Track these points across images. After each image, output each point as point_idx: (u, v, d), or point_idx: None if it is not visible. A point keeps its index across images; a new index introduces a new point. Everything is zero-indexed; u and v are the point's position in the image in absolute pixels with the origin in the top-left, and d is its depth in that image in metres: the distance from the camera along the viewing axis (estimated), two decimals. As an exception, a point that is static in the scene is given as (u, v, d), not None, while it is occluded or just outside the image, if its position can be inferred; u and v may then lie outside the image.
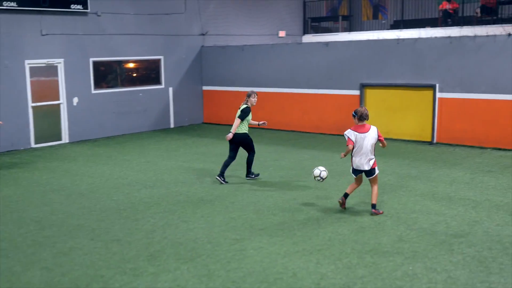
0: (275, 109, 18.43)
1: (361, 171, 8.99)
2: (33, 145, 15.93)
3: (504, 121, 14.17)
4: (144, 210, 9.54)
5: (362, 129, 8.84)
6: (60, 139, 16.64)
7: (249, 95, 11.50)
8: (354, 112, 8.93)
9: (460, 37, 14.95)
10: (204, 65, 20.46)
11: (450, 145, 15.04)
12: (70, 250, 7.65)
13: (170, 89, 19.54)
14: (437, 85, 15.07)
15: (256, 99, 11.55)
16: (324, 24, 26.17)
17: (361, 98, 16.29)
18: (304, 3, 24.87)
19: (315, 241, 7.76)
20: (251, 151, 11.58)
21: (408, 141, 15.70)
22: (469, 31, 17.75)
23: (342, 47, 17.14)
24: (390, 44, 15.98)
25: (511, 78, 13.97)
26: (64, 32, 16.45)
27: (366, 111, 8.90)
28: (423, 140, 15.57)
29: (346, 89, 16.79)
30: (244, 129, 11.37)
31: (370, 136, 8.81)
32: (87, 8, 16.66)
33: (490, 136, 14.36)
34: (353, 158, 8.94)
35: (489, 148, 14.21)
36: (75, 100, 16.81)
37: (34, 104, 15.89)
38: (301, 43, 18.87)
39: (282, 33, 23.49)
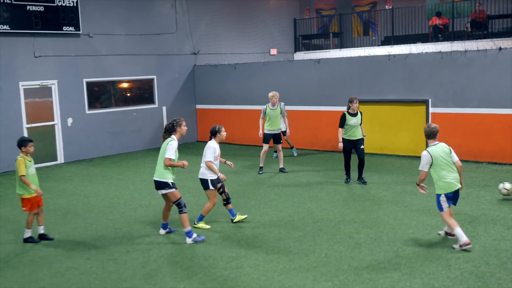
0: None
1: None
2: (27, 166, 15.87)
3: (498, 135, 14.21)
4: (140, 229, 9.52)
5: None
6: (55, 159, 16.61)
7: (350, 101, 12.26)
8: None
9: (451, 52, 15.03)
10: (197, 84, 20.53)
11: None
12: (66, 270, 7.62)
13: (164, 108, 19.58)
14: (430, 100, 15.16)
15: (357, 105, 12.24)
16: (315, 41, 26.34)
17: (354, 114, 16.33)
18: (295, 21, 25.06)
19: (312, 258, 7.75)
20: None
21: (403, 156, 15.75)
22: (459, 46, 17.88)
23: (334, 63, 17.24)
24: (382, 60, 16.08)
25: (503, 92, 14.08)
26: (57, 54, 16.51)
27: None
28: (417, 155, 15.54)
29: (338, 106, 16.85)
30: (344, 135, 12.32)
31: None
32: (79, 30, 16.73)
33: (484, 151, 14.40)
34: None
35: (484, 162, 14.23)
36: (70, 121, 16.81)
37: (29, 125, 15.89)
38: (292, 61, 18.94)
39: (273, 51, 23.65)
